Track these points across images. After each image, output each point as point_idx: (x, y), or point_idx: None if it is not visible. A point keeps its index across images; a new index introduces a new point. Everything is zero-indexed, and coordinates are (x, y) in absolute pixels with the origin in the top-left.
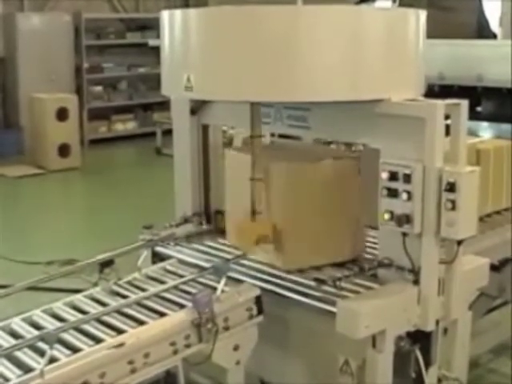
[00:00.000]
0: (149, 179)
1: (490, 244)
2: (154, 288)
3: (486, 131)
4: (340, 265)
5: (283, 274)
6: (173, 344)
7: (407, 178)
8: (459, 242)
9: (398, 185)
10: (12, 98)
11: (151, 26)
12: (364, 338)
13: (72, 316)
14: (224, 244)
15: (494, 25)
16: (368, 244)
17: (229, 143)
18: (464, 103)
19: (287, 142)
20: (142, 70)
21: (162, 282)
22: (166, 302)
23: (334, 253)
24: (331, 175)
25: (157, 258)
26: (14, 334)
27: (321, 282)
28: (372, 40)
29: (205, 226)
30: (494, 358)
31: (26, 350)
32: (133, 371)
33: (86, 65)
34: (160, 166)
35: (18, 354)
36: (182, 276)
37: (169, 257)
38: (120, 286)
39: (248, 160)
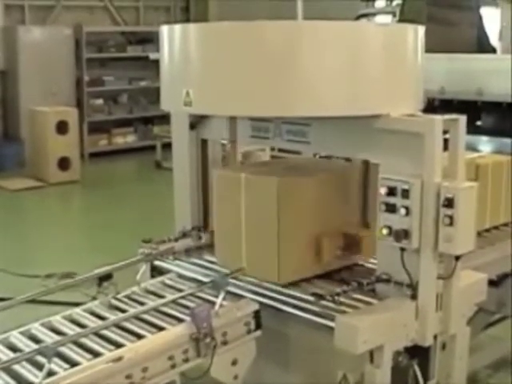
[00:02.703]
0: (148, 193)
1: (488, 259)
2: (152, 302)
3: (486, 146)
4: (340, 280)
5: (282, 289)
6: (171, 358)
7: (405, 194)
8: (457, 258)
9: (397, 200)
10: (12, 110)
11: (152, 39)
12: (362, 353)
13: (70, 330)
14: None
15: (494, 39)
16: None
17: (228, 157)
18: (462, 118)
19: (287, 158)
20: (142, 83)
21: (161, 297)
22: (165, 316)
23: (328, 262)
24: (325, 188)
25: (156, 272)
26: (13, 348)
27: (319, 296)
28: (371, 56)
29: (204, 241)
30: (493, 374)
31: (24, 363)
32: None
33: (86, 78)
34: (160, 179)
35: (17, 367)
36: (180, 290)
37: (168, 271)
38: (119, 299)
39: (236, 179)
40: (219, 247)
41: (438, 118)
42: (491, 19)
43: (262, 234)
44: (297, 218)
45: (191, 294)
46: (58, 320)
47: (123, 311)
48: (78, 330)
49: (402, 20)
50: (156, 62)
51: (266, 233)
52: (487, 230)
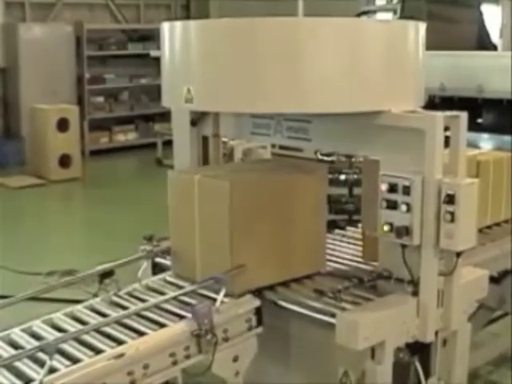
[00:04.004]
0: (149, 190)
1: (489, 256)
2: (153, 299)
3: (486, 143)
4: (341, 276)
5: (282, 286)
6: (172, 355)
7: (406, 190)
8: (458, 254)
9: (398, 197)
10: (13, 108)
11: (153, 36)
12: (363, 350)
13: (72, 327)
14: None
15: (495, 36)
16: None
17: (229, 154)
18: (463, 115)
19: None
20: (143, 80)
21: (162, 293)
22: (166, 313)
23: (287, 270)
24: (280, 191)
25: (157, 268)
26: (14, 345)
27: (321, 293)
28: (372, 52)
29: None
30: (494, 370)
31: (25, 360)
32: (132, 382)
33: (87, 75)
34: (160, 177)
35: (18, 364)
36: (181, 287)
37: (169, 268)
38: (120, 296)
39: (189, 181)
40: (174, 255)
41: (439, 115)
42: (492, 16)
43: (215, 241)
44: (252, 223)
45: (192, 291)
46: (59, 317)
47: (124, 308)
48: (80, 326)
49: (402, 17)
50: (157, 60)
51: (218, 240)
52: (488, 227)
